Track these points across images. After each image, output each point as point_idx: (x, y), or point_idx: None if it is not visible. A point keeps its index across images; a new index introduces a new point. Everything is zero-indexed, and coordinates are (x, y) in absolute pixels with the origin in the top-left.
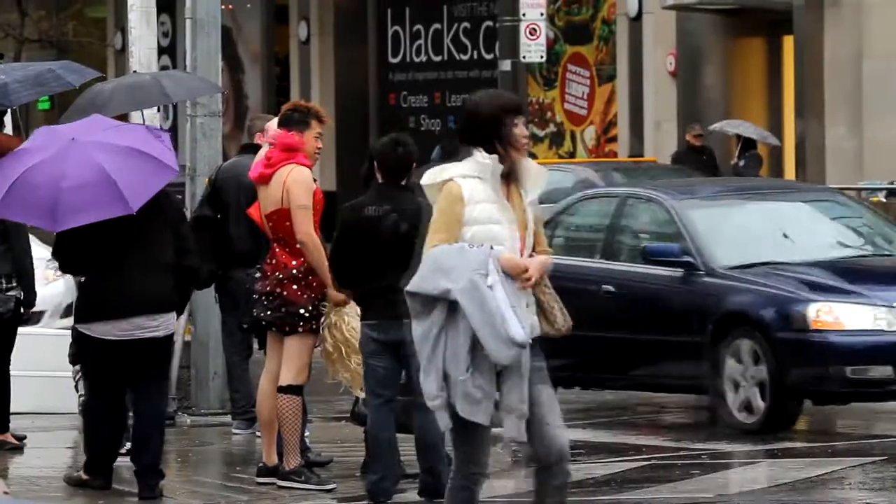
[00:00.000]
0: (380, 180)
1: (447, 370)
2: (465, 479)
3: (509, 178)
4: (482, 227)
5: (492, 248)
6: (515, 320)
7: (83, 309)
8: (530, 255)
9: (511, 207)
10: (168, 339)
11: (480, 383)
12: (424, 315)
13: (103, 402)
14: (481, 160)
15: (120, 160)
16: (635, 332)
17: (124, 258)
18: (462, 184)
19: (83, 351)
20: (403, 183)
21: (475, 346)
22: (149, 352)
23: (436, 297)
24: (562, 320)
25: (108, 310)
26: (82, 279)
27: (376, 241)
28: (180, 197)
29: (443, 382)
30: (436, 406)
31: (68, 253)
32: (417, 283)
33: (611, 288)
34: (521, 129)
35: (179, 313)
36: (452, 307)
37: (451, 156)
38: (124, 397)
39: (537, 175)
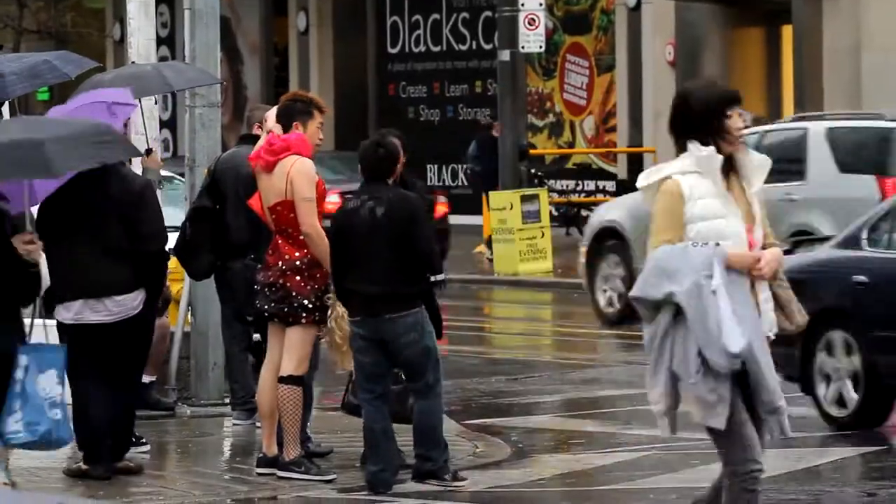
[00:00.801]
0: (362, 180)
1: (676, 373)
2: (742, 482)
3: (729, 170)
4: (706, 223)
5: (717, 244)
6: (736, 330)
7: (48, 291)
8: (762, 249)
9: (734, 201)
10: (127, 326)
11: (714, 386)
12: (652, 319)
13: (79, 388)
14: (698, 153)
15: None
16: None
17: (71, 242)
18: (681, 180)
19: (59, 335)
20: (390, 182)
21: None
22: (106, 338)
23: (661, 301)
24: (799, 317)
25: (59, 292)
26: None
27: (355, 233)
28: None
29: (669, 387)
30: (657, 412)
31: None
32: (641, 287)
33: None
34: (736, 121)
35: (151, 298)
36: (679, 309)
37: (486, 149)
38: (105, 382)
39: (760, 165)
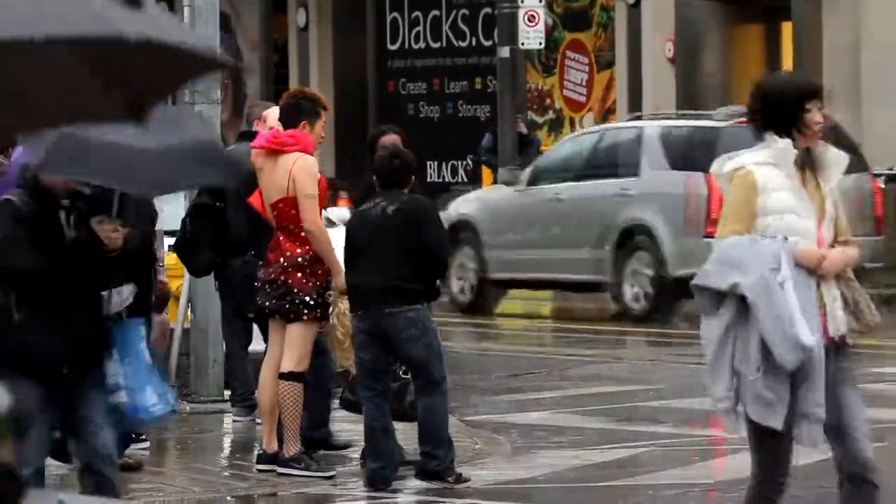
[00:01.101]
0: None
1: (738, 369)
2: (766, 489)
3: (804, 165)
4: (777, 216)
5: (786, 239)
6: (805, 323)
7: None
8: (830, 247)
9: (808, 196)
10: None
11: (773, 385)
12: (712, 311)
13: None
14: (776, 146)
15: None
16: None
17: None
18: (755, 171)
19: None
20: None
21: (767, 344)
22: None
23: (724, 293)
24: (869, 316)
25: None
26: None
27: (364, 229)
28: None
29: (732, 384)
30: (722, 409)
31: None
32: (705, 277)
33: None
34: (814, 115)
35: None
36: (743, 303)
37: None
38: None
39: (837, 161)
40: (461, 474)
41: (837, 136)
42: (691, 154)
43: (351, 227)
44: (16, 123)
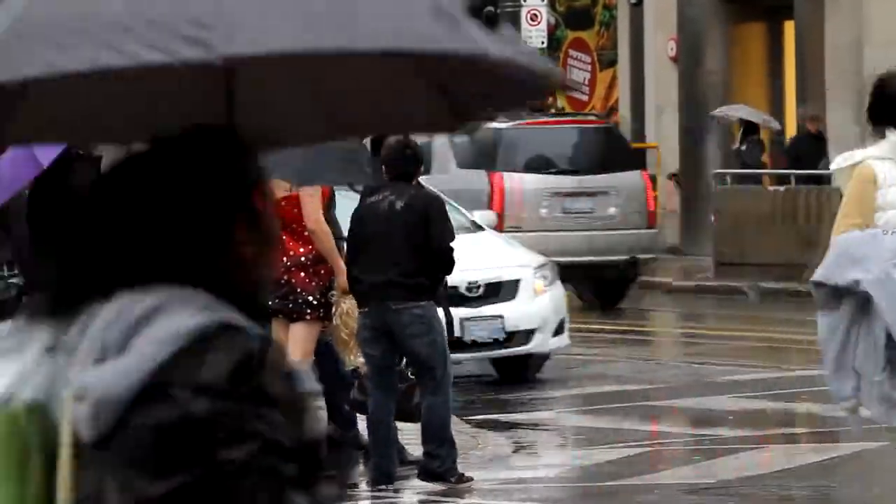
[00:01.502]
0: (386, 179)
1: (858, 369)
2: None
3: None
4: None
5: None
6: None
7: None
8: None
9: None
10: None
11: None
12: (832, 308)
13: None
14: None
15: None
16: None
17: None
18: (875, 166)
19: None
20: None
21: (892, 342)
22: None
23: (844, 289)
24: None
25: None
26: None
27: (371, 224)
28: None
29: (856, 383)
30: (847, 408)
31: None
32: (824, 272)
33: None
34: None
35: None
36: (863, 299)
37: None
38: None
39: None
40: (463, 474)
41: None
42: (475, 153)
43: (357, 220)
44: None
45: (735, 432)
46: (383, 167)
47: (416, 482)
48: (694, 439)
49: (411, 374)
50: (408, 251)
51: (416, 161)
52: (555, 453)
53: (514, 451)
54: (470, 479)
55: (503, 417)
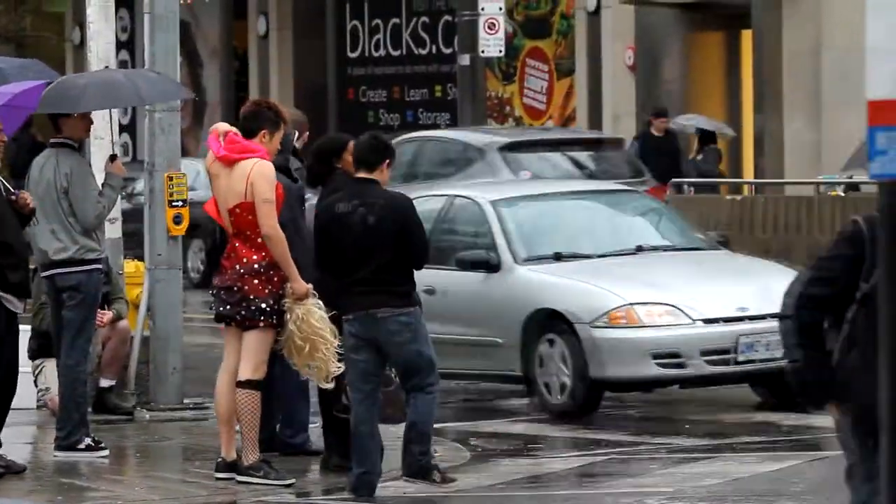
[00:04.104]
0: (355, 174)
1: None
2: None
3: None
4: None
5: None
6: None
7: None
8: None
9: None
10: None
11: None
12: None
13: None
14: None
15: None
16: None
17: None
18: None
19: None
20: (376, 175)
21: None
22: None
23: None
24: None
25: None
26: None
27: (347, 236)
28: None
29: None
30: None
31: None
32: None
33: None
34: None
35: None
36: None
37: (649, 149)
38: None
39: None
40: (447, 473)
41: None
42: None
43: (323, 229)
44: None
45: (693, 441)
46: (352, 157)
47: (396, 491)
48: (652, 448)
49: (398, 378)
50: (390, 260)
51: (385, 149)
52: (510, 462)
53: (469, 460)
54: (454, 480)
55: (459, 426)
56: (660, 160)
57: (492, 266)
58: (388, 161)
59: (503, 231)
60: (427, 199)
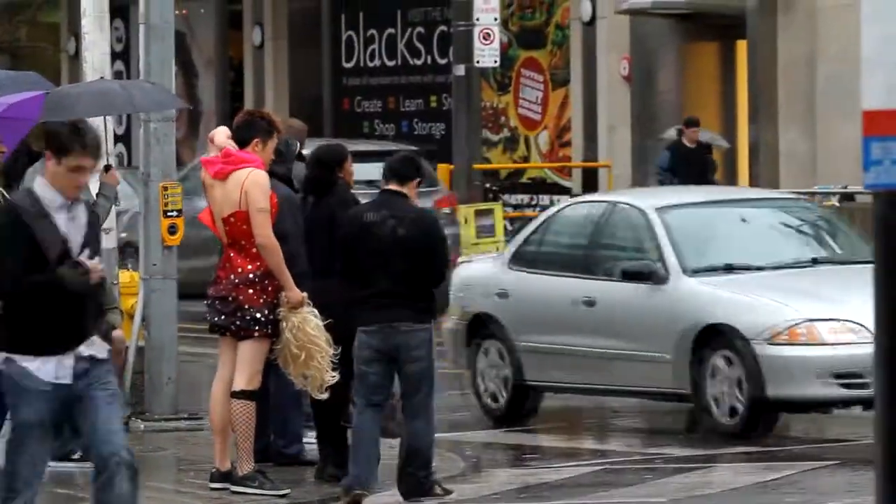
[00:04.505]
0: (385, 187)
1: None
2: None
3: None
4: None
5: None
6: None
7: None
8: None
9: None
10: None
11: None
12: None
13: None
14: None
15: None
16: None
17: None
18: None
19: None
20: (407, 189)
21: None
22: None
23: None
24: None
25: None
26: None
27: (374, 246)
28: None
29: None
30: None
31: None
32: None
33: None
34: None
35: None
36: None
37: (679, 159)
38: None
39: None
40: (446, 487)
41: None
42: None
43: (352, 237)
44: None
45: (687, 451)
46: (385, 175)
47: (388, 498)
48: (645, 458)
49: (400, 393)
50: (414, 274)
51: (418, 167)
52: (504, 472)
53: (463, 470)
54: (451, 491)
55: (453, 436)
56: (690, 170)
57: (658, 278)
58: (419, 180)
59: (669, 240)
60: (583, 206)
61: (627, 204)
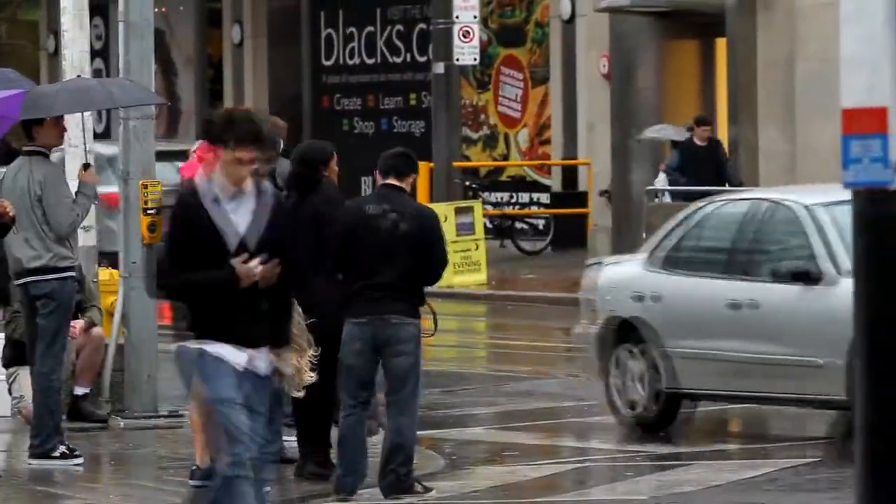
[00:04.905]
0: (383, 181)
1: None
2: None
3: None
4: None
5: None
6: None
7: None
8: None
9: None
10: None
11: None
12: None
13: None
14: None
15: None
16: None
17: None
18: None
19: None
20: (405, 184)
21: None
22: None
23: None
24: None
25: None
26: None
27: (374, 238)
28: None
29: None
30: None
31: None
32: None
33: None
34: None
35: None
36: None
37: (690, 158)
38: None
39: None
40: (426, 485)
41: None
42: None
43: (351, 230)
44: None
45: (668, 449)
46: (383, 171)
47: (373, 494)
48: (625, 456)
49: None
50: (410, 269)
51: (413, 163)
52: (484, 470)
53: (443, 468)
54: (431, 489)
55: (433, 434)
56: (702, 168)
57: (812, 278)
58: (414, 175)
59: (823, 239)
60: (729, 203)
61: (777, 202)
